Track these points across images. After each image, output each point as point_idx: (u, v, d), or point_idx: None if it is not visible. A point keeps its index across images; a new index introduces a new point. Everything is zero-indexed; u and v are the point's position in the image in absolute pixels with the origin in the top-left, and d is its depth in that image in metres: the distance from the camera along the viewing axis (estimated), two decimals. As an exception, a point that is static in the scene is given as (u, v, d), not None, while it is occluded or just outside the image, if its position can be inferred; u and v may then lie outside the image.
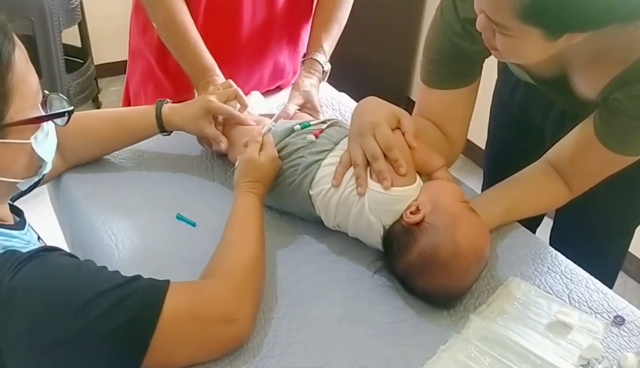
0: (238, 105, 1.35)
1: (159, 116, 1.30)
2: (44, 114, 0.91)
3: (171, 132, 1.34)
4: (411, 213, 1.07)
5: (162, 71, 1.60)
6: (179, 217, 1.25)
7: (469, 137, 1.37)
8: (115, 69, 3.60)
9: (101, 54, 3.54)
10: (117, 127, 1.33)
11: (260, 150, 1.17)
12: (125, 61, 1.70)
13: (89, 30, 3.40)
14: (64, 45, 3.15)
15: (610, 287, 1.54)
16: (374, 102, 1.18)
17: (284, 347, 1.01)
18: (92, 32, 3.42)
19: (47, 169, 0.96)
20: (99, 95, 3.57)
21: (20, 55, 0.84)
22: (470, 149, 1.41)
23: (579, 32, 0.95)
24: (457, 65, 1.25)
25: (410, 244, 1.06)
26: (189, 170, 1.40)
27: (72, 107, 0.95)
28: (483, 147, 1.75)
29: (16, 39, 0.85)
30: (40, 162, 0.93)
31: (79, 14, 3.22)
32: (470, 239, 1.05)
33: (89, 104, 3.49)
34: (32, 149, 0.90)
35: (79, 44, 3.43)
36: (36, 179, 0.96)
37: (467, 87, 1.28)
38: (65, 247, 1.24)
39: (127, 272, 0.91)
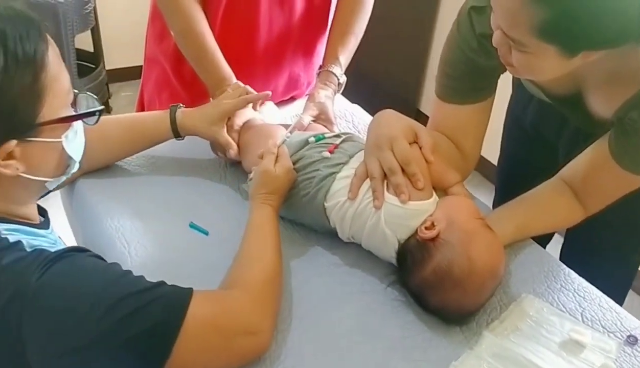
0: (250, 112, 1.36)
1: (173, 121, 1.31)
2: (74, 113, 0.92)
3: (185, 136, 1.35)
4: (426, 228, 1.07)
5: (178, 79, 1.61)
6: (192, 226, 1.25)
7: None
8: (126, 74, 3.62)
9: (113, 60, 3.56)
10: (131, 131, 1.34)
11: (276, 161, 1.17)
12: (137, 67, 1.71)
13: (101, 35, 3.42)
14: (77, 50, 3.17)
15: (621, 304, 1.54)
16: (391, 115, 1.18)
17: (296, 358, 1.00)
18: (105, 37, 3.45)
19: (75, 168, 0.98)
20: (109, 100, 3.58)
21: (53, 55, 0.85)
22: (480, 163, 1.42)
23: (596, 50, 0.95)
24: (472, 81, 1.25)
25: (425, 260, 1.06)
26: (202, 178, 1.40)
27: (102, 107, 0.96)
28: (493, 161, 1.74)
29: (49, 38, 0.86)
30: (69, 161, 0.95)
31: (92, 19, 3.24)
32: (485, 257, 1.05)
33: (100, 109, 3.50)
34: (63, 148, 0.91)
35: (91, 49, 3.45)
36: (64, 178, 0.98)
37: (482, 103, 1.28)
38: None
39: (140, 278, 0.91)
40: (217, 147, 1.39)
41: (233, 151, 1.32)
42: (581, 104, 1.19)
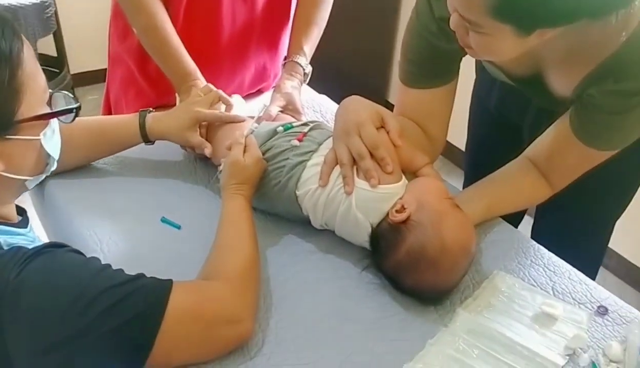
0: (223, 107, 1.36)
1: (142, 126, 1.30)
2: (52, 110, 0.92)
3: (154, 141, 1.34)
4: (397, 211, 1.08)
5: (143, 76, 1.60)
6: (164, 220, 1.25)
7: (447, 139, 1.39)
8: (91, 77, 3.58)
9: (77, 63, 3.53)
10: (100, 136, 1.33)
11: (244, 151, 1.17)
12: (102, 70, 1.69)
13: (64, 39, 3.37)
14: (39, 54, 3.13)
15: (592, 279, 1.57)
16: (357, 101, 1.19)
17: (273, 345, 1.01)
18: (68, 41, 3.41)
19: (54, 166, 0.98)
20: (75, 104, 3.53)
21: (28, 53, 0.86)
22: (449, 150, 1.44)
23: (550, 27, 0.96)
24: (434, 65, 1.27)
25: (398, 243, 1.07)
26: (173, 174, 1.40)
27: (79, 104, 0.96)
28: (462, 147, 1.76)
29: (24, 37, 0.86)
30: (47, 159, 0.95)
31: (54, 23, 3.19)
32: (457, 235, 1.06)
33: (66, 113, 3.45)
34: (42, 146, 0.92)
35: (54, 53, 3.41)
36: (43, 176, 0.98)
37: (446, 86, 1.30)
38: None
39: (113, 271, 0.91)
40: (190, 147, 1.38)
41: (208, 150, 1.31)
42: (542, 84, 1.21)
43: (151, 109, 1.34)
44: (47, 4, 3.08)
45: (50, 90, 0.93)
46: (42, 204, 1.36)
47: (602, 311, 1.12)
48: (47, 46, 3.34)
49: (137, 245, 1.19)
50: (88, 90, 3.65)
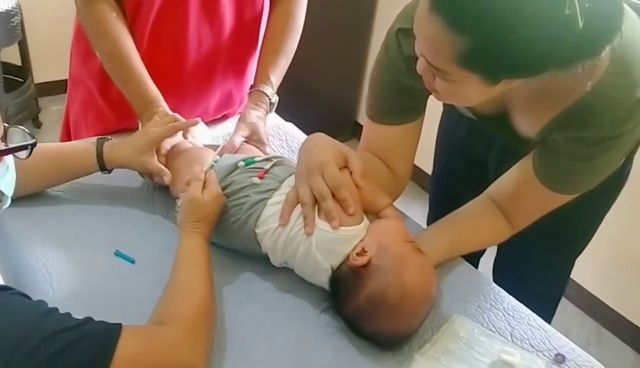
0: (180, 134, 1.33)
1: (99, 155, 1.27)
2: (5, 147, 0.88)
3: (111, 170, 1.31)
4: (357, 254, 1.07)
5: (104, 99, 1.56)
6: (117, 254, 1.21)
7: (415, 162, 1.38)
8: (56, 87, 3.48)
9: (42, 73, 3.45)
10: (56, 164, 1.29)
11: (204, 188, 1.15)
12: (67, 80, 1.64)
13: (29, 48, 3.30)
14: (3, 63, 3.06)
15: (551, 316, 1.57)
16: (321, 140, 1.17)
17: (227, 391, 0.98)
18: (33, 50, 3.33)
19: (7, 204, 0.94)
20: (39, 114, 3.47)
21: None
22: (415, 173, 1.44)
23: (517, 78, 0.96)
24: (401, 101, 1.26)
25: (358, 287, 1.05)
26: (130, 203, 1.36)
27: (34, 140, 0.92)
28: (428, 171, 1.75)
29: None
30: (1, 197, 0.92)
31: (19, 32, 3.12)
32: (418, 280, 1.05)
33: (29, 123, 3.38)
34: None
35: (19, 63, 3.33)
36: None
37: (412, 123, 1.29)
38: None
39: (61, 311, 0.87)
40: (148, 174, 1.35)
41: (167, 178, 1.28)
42: (507, 123, 1.21)
43: (109, 136, 1.30)
44: (12, 13, 3.01)
45: (5, 124, 0.89)
46: (-8, 233, 1.32)
47: (560, 359, 1.11)
48: (12, 55, 3.27)
49: (88, 280, 1.15)
50: (52, 100, 3.57)
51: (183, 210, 1.14)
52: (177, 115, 1.36)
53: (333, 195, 1.10)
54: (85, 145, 1.30)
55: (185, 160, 1.30)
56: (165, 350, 0.91)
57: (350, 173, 1.14)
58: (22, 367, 0.78)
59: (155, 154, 1.29)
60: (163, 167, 1.29)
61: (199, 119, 1.37)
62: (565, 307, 2.67)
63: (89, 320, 0.87)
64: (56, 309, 0.86)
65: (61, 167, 1.29)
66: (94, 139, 1.30)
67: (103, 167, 1.28)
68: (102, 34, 1.39)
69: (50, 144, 1.33)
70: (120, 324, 0.88)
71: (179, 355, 0.92)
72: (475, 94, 0.99)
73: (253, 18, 1.56)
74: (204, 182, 1.16)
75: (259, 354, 1.05)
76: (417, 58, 1.05)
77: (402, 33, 1.17)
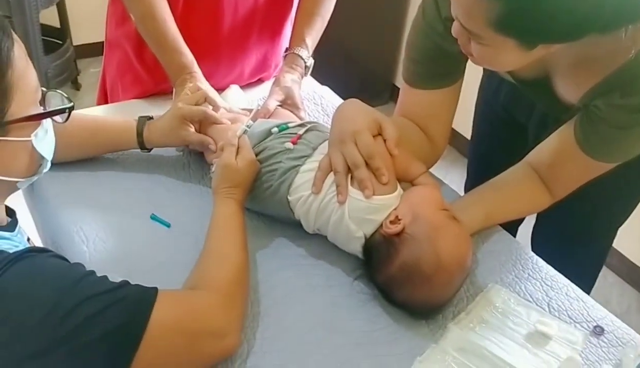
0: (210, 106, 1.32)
1: (140, 133, 1.28)
2: (43, 110, 0.89)
3: (152, 149, 1.32)
4: (391, 222, 1.05)
5: (140, 62, 1.55)
6: (153, 218, 1.22)
7: (453, 126, 1.35)
8: (95, 49, 3.51)
9: (80, 35, 3.47)
10: (96, 138, 1.30)
11: (237, 153, 1.14)
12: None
13: (67, 10, 3.31)
14: (42, 25, 3.08)
15: (591, 286, 1.55)
16: (355, 107, 1.15)
17: (258, 356, 0.99)
18: (71, 12, 3.34)
19: (47, 167, 0.95)
20: (78, 77, 3.50)
21: (19, 52, 0.83)
22: (454, 138, 1.41)
23: (555, 43, 0.93)
24: (439, 65, 1.23)
25: (391, 256, 1.04)
26: (165, 167, 1.36)
27: (72, 104, 0.93)
28: (467, 135, 1.72)
29: (15, 35, 0.84)
30: (40, 161, 0.92)
31: (57, -7, 3.14)
32: (453, 250, 1.03)
33: (68, 86, 3.42)
34: (33, 147, 0.89)
35: (57, 25, 3.35)
36: (36, 178, 0.95)
37: (450, 88, 1.26)
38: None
39: (98, 274, 0.87)
40: (193, 147, 1.35)
41: (212, 146, 1.27)
42: (548, 89, 1.17)
43: (151, 116, 1.30)
44: (51, -26, 3.03)
45: (43, 89, 0.90)
46: (31, 196, 1.34)
47: (598, 331, 1.09)
48: (51, 17, 3.28)
49: (124, 244, 1.17)
50: (90, 62, 3.59)
51: (217, 175, 1.13)
52: (207, 91, 1.34)
53: (366, 163, 1.09)
54: (126, 122, 1.30)
55: (218, 127, 1.29)
56: (199, 315, 0.91)
57: (385, 141, 1.12)
58: (58, 329, 0.79)
59: (192, 125, 1.28)
60: (203, 136, 1.28)
61: (236, 86, 1.35)
62: (605, 275, 2.62)
63: (125, 283, 0.87)
64: (93, 272, 0.87)
65: (100, 141, 1.31)
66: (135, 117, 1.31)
67: (142, 146, 1.29)
68: None
69: (92, 116, 1.34)
70: (156, 288, 0.89)
71: (213, 320, 0.92)
72: (511, 59, 0.97)
73: (289, -21, 1.54)
74: (238, 148, 1.15)
75: (291, 320, 1.05)
76: (454, 20, 1.02)
77: None
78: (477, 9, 0.89)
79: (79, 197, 1.25)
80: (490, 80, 1.53)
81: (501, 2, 0.86)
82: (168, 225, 1.21)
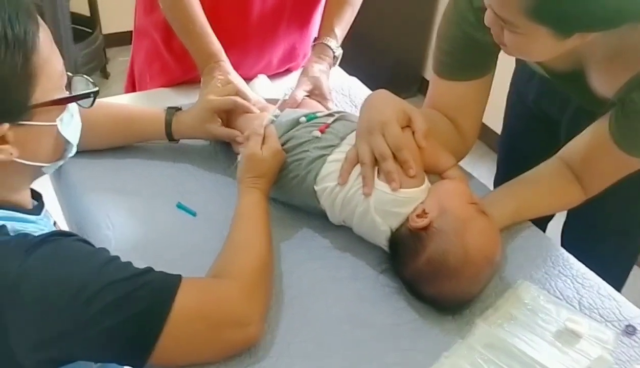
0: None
1: (168, 124, 1.28)
2: (69, 95, 0.89)
3: (179, 140, 1.32)
4: (418, 216, 1.03)
5: (168, 51, 1.55)
6: (179, 206, 1.22)
7: (483, 120, 1.33)
8: (124, 38, 3.48)
9: (110, 24, 3.49)
10: (125, 127, 1.30)
11: (263, 143, 1.13)
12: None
13: (98, -1, 3.34)
14: (72, 13, 3.10)
15: (622, 284, 1.51)
16: (384, 97, 1.14)
17: (281, 347, 0.98)
18: (101, 1, 3.37)
19: (73, 152, 0.96)
20: (107, 65, 3.52)
21: (44, 37, 0.83)
22: (483, 132, 1.39)
23: (591, 31, 0.91)
24: (470, 56, 1.21)
25: (418, 250, 1.02)
26: (191, 155, 1.36)
27: (97, 89, 0.93)
28: (497, 130, 1.69)
29: (40, 20, 0.84)
30: (65, 145, 0.93)
31: (87, -18, 3.16)
32: (481, 245, 1.01)
33: (97, 74, 3.45)
34: (58, 131, 0.89)
35: (87, 13, 3.37)
36: (61, 162, 0.95)
37: (480, 80, 1.24)
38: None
39: (123, 260, 0.88)
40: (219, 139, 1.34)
41: (240, 138, 1.25)
42: (582, 82, 1.14)
43: (180, 107, 1.31)
44: (81, -38, 3.05)
45: (69, 74, 0.90)
46: (58, 181, 1.34)
47: (630, 331, 1.06)
48: (81, 5, 3.31)
49: (150, 231, 1.17)
50: (119, 51, 3.61)
51: (242, 165, 1.13)
52: (238, 84, 1.33)
53: (394, 155, 1.07)
54: (155, 113, 1.30)
55: (245, 117, 1.28)
56: (222, 303, 0.91)
57: (413, 133, 1.10)
58: (82, 314, 0.79)
59: (220, 119, 1.28)
60: (231, 130, 1.28)
61: (264, 76, 1.34)
62: (637, 273, 2.56)
63: (149, 270, 0.87)
64: (118, 257, 0.87)
65: (129, 131, 1.31)
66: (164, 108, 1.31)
67: (171, 137, 1.29)
68: None
69: (120, 106, 1.35)
70: (179, 275, 0.89)
71: (236, 308, 0.92)
72: (545, 48, 0.95)
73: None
74: (264, 137, 1.14)
75: (315, 312, 1.04)
76: (486, 9, 0.99)
77: None
78: None
79: (105, 184, 1.26)
80: (522, 73, 1.50)
81: None
82: (194, 214, 1.21)
